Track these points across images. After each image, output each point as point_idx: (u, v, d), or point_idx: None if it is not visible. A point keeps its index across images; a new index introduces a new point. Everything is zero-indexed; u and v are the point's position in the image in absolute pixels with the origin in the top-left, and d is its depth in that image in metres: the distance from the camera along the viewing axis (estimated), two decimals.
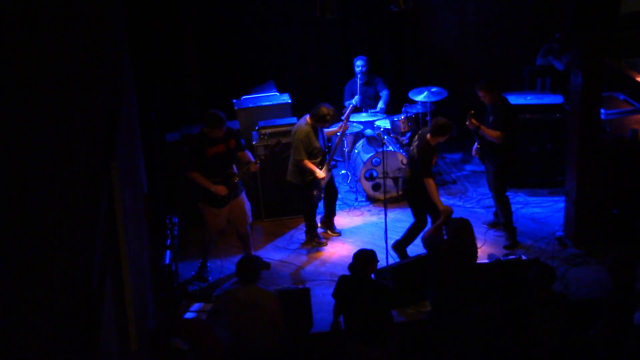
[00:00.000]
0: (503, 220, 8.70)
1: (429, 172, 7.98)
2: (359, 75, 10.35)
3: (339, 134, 8.98)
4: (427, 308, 7.63)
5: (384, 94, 10.53)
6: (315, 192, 8.65)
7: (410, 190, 8.27)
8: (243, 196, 8.26)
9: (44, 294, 2.52)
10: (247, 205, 8.31)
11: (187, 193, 9.27)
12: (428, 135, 8.04)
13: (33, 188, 2.54)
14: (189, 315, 7.43)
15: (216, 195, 7.94)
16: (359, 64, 10.35)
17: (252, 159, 8.24)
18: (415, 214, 8.34)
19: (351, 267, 6.58)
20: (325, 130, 8.83)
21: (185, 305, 7.32)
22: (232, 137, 8.09)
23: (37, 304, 2.43)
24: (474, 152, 8.79)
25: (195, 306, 7.75)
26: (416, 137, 8.31)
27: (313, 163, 8.53)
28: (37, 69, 2.72)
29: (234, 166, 8.15)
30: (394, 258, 8.27)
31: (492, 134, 8.30)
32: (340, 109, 9.30)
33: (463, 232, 6.68)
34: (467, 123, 8.36)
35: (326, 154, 8.76)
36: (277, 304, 6.52)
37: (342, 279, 6.67)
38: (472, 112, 8.38)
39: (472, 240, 6.77)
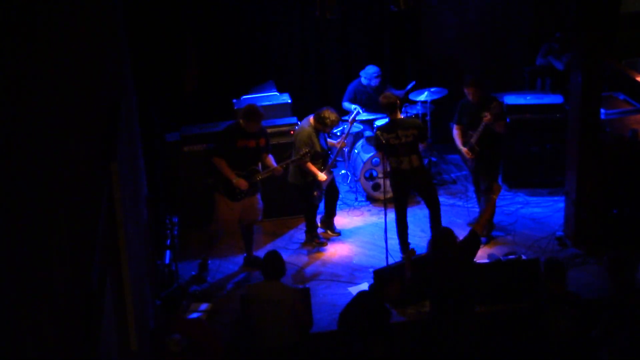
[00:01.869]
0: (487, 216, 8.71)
1: None
2: (371, 85, 10.18)
3: (336, 148, 8.94)
4: (427, 308, 7.63)
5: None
6: (315, 193, 8.66)
7: (424, 176, 8.45)
8: (258, 196, 8.31)
9: (44, 294, 2.52)
10: (260, 205, 8.37)
11: (187, 193, 9.28)
12: (399, 115, 8.37)
13: (33, 188, 2.54)
14: (190, 315, 7.45)
15: (235, 188, 7.95)
16: (371, 72, 10.07)
17: (275, 164, 8.23)
18: (433, 201, 8.49)
19: (371, 286, 6.63)
20: (329, 140, 8.86)
21: (185, 305, 7.33)
22: (264, 136, 8.17)
23: (37, 304, 2.43)
24: (468, 153, 8.58)
25: (196, 306, 7.77)
26: (393, 132, 8.24)
27: (314, 164, 8.53)
28: (37, 69, 2.72)
29: (260, 165, 8.18)
30: (394, 258, 8.27)
31: (502, 125, 8.39)
32: (340, 109, 9.26)
33: (443, 243, 6.48)
34: (485, 115, 8.27)
35: (328, 156, 8.75)
36: (297, 301, 6.63)
37: (359, 294, 6.67)
38: (494, 103, 8.37)
39: (454, 248, 6.47)
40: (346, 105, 10.18)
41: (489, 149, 8.53)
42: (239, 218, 8.31)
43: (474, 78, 8.63)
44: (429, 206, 8.52)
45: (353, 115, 8.96)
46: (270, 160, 8.29)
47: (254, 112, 7.93)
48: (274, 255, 6.79)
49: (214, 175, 8.08)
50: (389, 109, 8.28)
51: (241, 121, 7.98)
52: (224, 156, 7.94)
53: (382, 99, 8.33)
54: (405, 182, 8.39)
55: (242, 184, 7.95)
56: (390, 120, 8.33)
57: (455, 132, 8.75)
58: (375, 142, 8.73)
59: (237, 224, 8.42)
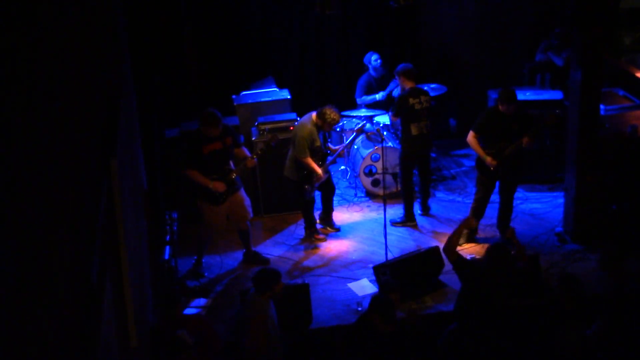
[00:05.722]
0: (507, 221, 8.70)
1: None
2: (378, 70, 10.27)
3: (333, 156, 8.95)
4: (428, 304, 7.64)
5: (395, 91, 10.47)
6: (306, 187, 8.61)
7: (430, 143, 9.20)
8: (242, 192, 8.26)
9: (43, 291, 2.52)
10: (247, 201, 8.31)
11: (187, 189, 9.28)
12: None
13: (32, 186, 2.54)
14: (189, 311, 7.46)
15: (214, 192, 7.95)
16: (374, 58, 10.31)
17: (249, 155, 8.24)
18: (428, 170, 9.24)
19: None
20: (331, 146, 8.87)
21: (184, 301, 7.34)
22: (229, 134, 8.10)
23: (37, 304, 2.43)
24: (493, 162, 8.25)
25: (196, 302, 7.78)
26: (417, 97, 8.81)
27: (313, 160, 8.51)
28: (37, 67, 2.72)
29: (231, 163, 8.16)
30: (393, 254, 8.28)
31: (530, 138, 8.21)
32: (342, 106, 9.26)
33: (499, 257, 6.36)
34: (525, 139, 8.14)
35: (327, 155, 8.73)
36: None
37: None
38: (535, 128, 8.23)
39: (509, 263, 6.39)
40: (363, 99, 10.24)
41: (516, 158, 8.37)
42: (229, 219, 8.30)
43: (512, 93, 8.17)
44: (421, 173, 9.20)
45: (361, 126, 8.98)
46: (244, 152, 8.27)
47: (212, 117, 7.84)
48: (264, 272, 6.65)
49: (192, 184, 8.06)
50: (415, 77, 8.92)
51: (202, 127, 7.91)
52: (194, 166, 7.92)
53: (410, 68, 8.93)
54: (416, 148, 8.92)
55: (220, 186, 7.95)
56: (411, 88, 8.89)
57: (473, 139, 8.34)
58: (398, 107, 8.94)
59: (226, 223, 8.40)
